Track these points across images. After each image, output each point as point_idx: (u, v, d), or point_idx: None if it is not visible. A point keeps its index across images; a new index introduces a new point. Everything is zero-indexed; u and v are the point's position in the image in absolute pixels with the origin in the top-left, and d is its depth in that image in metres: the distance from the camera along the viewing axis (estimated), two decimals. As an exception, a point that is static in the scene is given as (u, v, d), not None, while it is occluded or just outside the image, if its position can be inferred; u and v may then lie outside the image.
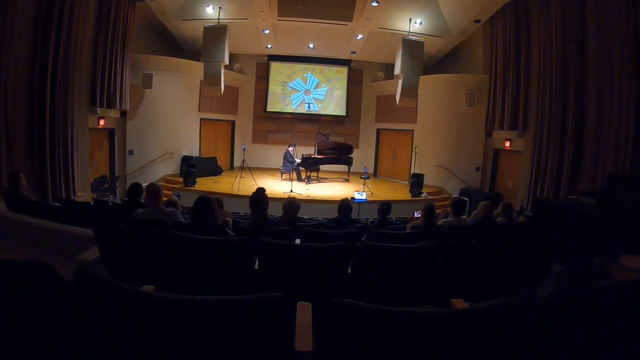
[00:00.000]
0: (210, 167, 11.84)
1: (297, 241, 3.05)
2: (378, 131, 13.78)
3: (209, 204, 2.92)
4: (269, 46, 12.44)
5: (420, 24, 10.15)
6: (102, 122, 9.08)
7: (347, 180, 11.60)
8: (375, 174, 13.60)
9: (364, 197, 8.39)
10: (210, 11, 9.96)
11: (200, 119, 12.17)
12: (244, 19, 10.42)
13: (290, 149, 11.25)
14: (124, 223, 3.04)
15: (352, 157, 11.67)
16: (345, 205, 4.57)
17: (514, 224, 4.79)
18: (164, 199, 4.06)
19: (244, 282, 2.33)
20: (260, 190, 4.05)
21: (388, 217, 5.28)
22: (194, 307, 1.10)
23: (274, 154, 12.73)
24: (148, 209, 3.36)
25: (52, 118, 6.82)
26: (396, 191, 10.94)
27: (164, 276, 2.26)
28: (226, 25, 10.17)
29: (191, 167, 10.18)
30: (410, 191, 10.18)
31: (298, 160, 11.10)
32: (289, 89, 13.78)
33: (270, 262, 2.36)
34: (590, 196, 4.03)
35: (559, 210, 4.16)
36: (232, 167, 13.21)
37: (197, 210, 2.93)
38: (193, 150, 11.95)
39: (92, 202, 5.92)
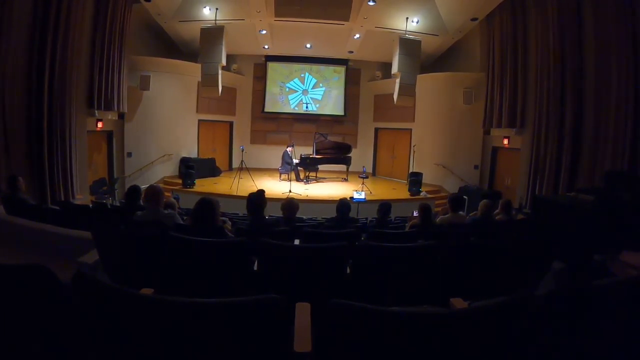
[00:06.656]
0: (209, 168, 11.82)
1: (296, 242, 3.05)
2: (376, 130, 13.79)
3: (211, 205, 2.94)
4: (266, 46, 12.43)
5: (417, 22, 10.16)
6: (100, 124, 9.06)
7: (346, 180, 11.59)
8: (373, 173, 13.61)
9: (362, 196, 8.39)
10: (207, 12, 9.95)
11: (198, 120, 12.16)
12: (240, 20, 10.40)
13: (288, 149, 11.23)
14: (123, 226, 3.04)
15: (350, 157, 11.67)
16: (343, 204, 4.58)
17: (513, 221, 4.79)
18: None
19: (243, 283, 2.33)
20: (260, 192, 4.06)
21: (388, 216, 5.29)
22: (193, 310, 1.10)
23: (273, 155, 12.70)
24: (147, 211, 3.36)
25: (50, 121, 6.80)
26: (395, 190, 10.94)
27: (163, 279, 2.26)
28: (223, 26, 10.16)
29: (190, 169, 10.17)
30: (409, 190, 10.19)
31: (296, 161, 11.09)
32: (287, 89, 13.77)
33: (269, 263, 2.36)
34: (589, 193, 4.03)
35: (558, 207, 4.16)
36: (230, 168, 13.20)
37: (199, 211, 2.94)
38: (191, 151, 11.94)
39: (91, 205, 5.90)
